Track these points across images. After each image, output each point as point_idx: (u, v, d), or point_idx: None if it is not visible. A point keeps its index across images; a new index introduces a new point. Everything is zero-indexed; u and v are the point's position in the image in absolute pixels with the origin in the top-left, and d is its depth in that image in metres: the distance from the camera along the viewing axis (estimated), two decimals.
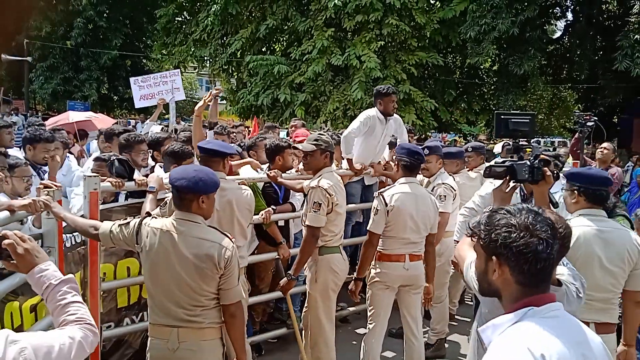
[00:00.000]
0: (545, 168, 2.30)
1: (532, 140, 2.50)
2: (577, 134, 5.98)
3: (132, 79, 7.56)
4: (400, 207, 3.73)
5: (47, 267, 1.70)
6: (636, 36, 12.32)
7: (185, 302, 2.57)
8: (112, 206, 3.51)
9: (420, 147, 4.32)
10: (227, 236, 2.63)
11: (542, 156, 2.34)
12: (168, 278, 2.56)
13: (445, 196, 4.56)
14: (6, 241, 1.69)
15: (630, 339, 2.93)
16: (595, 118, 5.53)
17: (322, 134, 4.02)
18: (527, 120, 2.44)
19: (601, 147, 6.49)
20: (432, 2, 15.26)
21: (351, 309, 5.19)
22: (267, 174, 4.26)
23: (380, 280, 3.86)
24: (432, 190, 4.52)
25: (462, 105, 16.73)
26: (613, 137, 19.49)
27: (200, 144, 3.51)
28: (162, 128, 6.62)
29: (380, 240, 3.82)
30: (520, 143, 2.39)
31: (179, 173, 2.62)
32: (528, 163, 2.33)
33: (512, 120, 2.43)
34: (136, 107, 7.61)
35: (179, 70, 8.51)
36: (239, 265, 2.65)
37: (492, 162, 3.39)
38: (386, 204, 3.75)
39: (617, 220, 3.54)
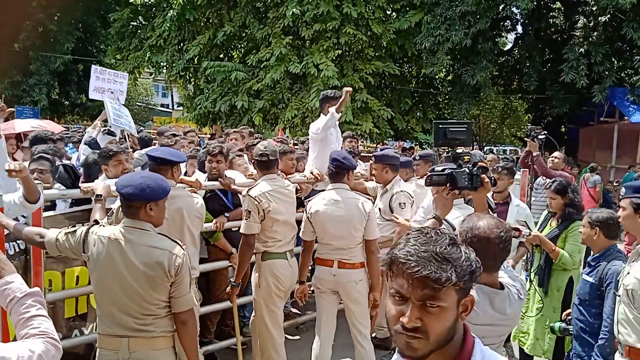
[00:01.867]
0: (484, 175, 2.39)
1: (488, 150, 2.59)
2: (528, 146, 6.28)
3: (93, 67, 7.39)
4: (319, 213, 3.81)
5: (13, 279, 1.67)
6: (581, 49, 12.93)
7: (135, 311, 2.51)
8: (55, 214, 3.38)
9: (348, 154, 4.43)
10: (178, 243, 2.58)
11: (479, 164, 2.41)
12: (117, 287, 2.49)
13: (404, 203, 4.61)
14: None
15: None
16: (545, 132, 5.81)
17: (263, 143, 4.07)
18: (464, 129, 2.53)
19: (552, 157, 6.82)
20: (388, 12, 15.54)
21: (305, 317, 5.20)
22: (221, 182, 4.22)
23: (314, 283, 4.00)
24: (390, 198, 4.58)
25: (418, 113, 17.07)
26: (561, 145, 20.33)
27: (149, 152, 3.46)
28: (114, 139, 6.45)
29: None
30: (458, 152, 2.47)
31: (125, 180, 2.57)
32: (467, 171, 2.41)
33: (450, 129, 2.52)
34: (89, 97, 7.44)
35: (127, 74, 8.39)
36: (190, 273, 2.61)
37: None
38: (306, 210, 3.89)
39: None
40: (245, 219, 3.71)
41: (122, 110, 6.85)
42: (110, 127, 6.24)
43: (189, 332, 2.60)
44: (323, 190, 4.68)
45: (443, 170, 2.48)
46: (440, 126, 2.53)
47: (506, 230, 2.03)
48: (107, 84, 7.28)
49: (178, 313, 2.57)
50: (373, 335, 4.50)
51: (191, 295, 2.62)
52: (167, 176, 3.26)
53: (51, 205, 3.68)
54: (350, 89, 5.04)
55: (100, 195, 3.15)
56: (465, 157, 2.47)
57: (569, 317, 3.65)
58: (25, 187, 2.84)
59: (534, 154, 6.35)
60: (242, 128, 8.43)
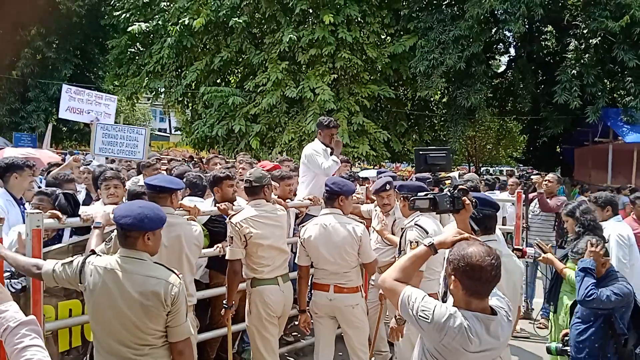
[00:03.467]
0: (465, 197, 2.43)
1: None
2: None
3: (65, 86, 7.26)
4: (312, 238, 3.86)
5: (7, 307, 1.64)
6: (573, 71, 13.11)
7: (131, 341, 2.50)
8: (56, 248, 3.38)
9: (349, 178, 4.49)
10: (174, 272, 2.58)
11: (460, 187, 2.46)
12: (113, 317, 2.49)
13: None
14: None
15: None
16: (537, 172, 6.11)
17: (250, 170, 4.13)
18: (444, 155, 2.59)
19: (546, 179, 6.88)
20: (383, 37, 15.77)
21: (303, 342, 5.17)
22: (218, 207, 4.24)
23: (311, 308, 3.99)
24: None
25: (414, 135, 17.20)
26: (556, 166, 20.45)
27: (147, 180, 3.48)
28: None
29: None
30: (439, 176, 2.52)
31: (123, 210, 2.57)
32: (448, 194, 2.46)
33: (430, 155, 2.59)
34: (60, 116, 7.32)
35: (116, 97, 8.31)
36: (186, 302, 2.61)
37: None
38: (300, 236, 3.95)
39: None
40: (229, 245, 3.78)
41: (121, 138, 6.64)
42: (93, 157, 6.15)
43: None
44: (316, 216, 4.71)
45: (426, 194, 2.53)
46: (421, 152, 2.61)
47: (496, 257, 2.05)
48: (84, 105, 7.15)
49: (175, 343, 2.55)
50: None
51: (188, 324, 2.60)
52: (165, 204, 3.29)
53: (56, 236, 3.68)
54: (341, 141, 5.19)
55: (100, 223, 3.17)
56: (446, 182, 2.53)
57: (567, 338, 3.65)
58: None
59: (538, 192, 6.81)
60: (242, 154, 8.43)
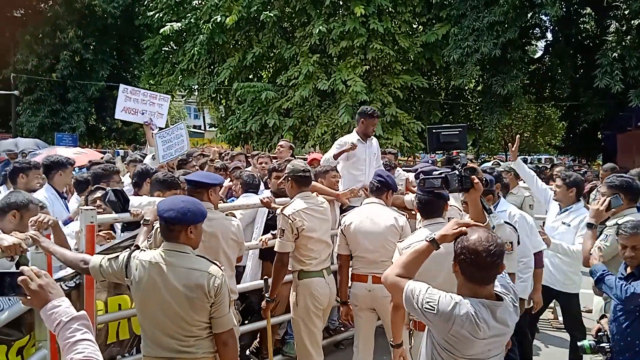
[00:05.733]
0: (473, 176, 2.35)
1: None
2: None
3: (121, 86, 7.31)
4: (352, 226, 3.80)
5: (60, 303, 1.69)
6: (614, 54, 12.64)
7: (177, 333, 2.55)
8: (111, 244, 3.48)
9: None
10: (216, 264, 2.63)
11: (469, 165, 2.39)
12: (159, 310, 2.54)
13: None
14: (20, 277, 1.69)
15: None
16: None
17: (289, 162, 4.10)
18: (457, 133, 2.48)
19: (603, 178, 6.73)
20: (415, 26, 15.57)
21: (344, 334, 5.17)
22: (261, 200, 4.27)
23: (350, 301, 3.91)
24: None
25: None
26: (598, 152, 19.81)
27: (187, 176, 3.53)
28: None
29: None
30: (454, 155, 2.44)
31: (167, 204, 2.63)
32: (457, 173, 2.38)
33: (443, 133, 2.48)
34: (115, 116, 7.36)
35: (169, 97, 8.29)
36: (229, 293, 2.65)
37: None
38: (340, 224, 3.90)
39: None
40: (279, 237, 3.75)
41: (173, 139, 6.69)
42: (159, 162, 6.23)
43: (229, 352, 2.62)
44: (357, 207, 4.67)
45: (440, 173, 2.47)
46: (434, 131, 2.50)
47: (497, 244, 2.02)
48: (139, 105, 7.19)
49: (219, 334, 2.60)
50: None
51: (231, 315, 2.64)
52: (202, 199, 3.31)
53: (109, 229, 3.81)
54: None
55: (148, 220, 3.24)
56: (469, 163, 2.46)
57: (600, 334, 3.45)
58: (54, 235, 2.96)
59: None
60: (283, 140, 8.45)
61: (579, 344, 3.54)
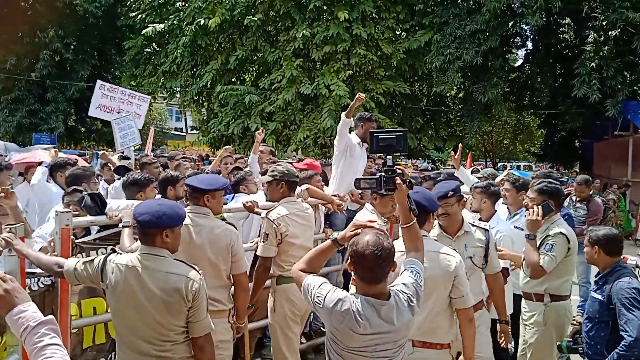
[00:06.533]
0: (397, 178, 2.44)
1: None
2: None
3: (99, 82, 7.14)
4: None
5: (27, 308, 1.67)
6: (592, 64, 12.89)
7: (153, 337, 2.52)
8: (89, 238, 3.43)
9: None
10: (194, 268, 2.60)
11: (390, 168, 2.46)
12: (135, 314, 2.51)
13: None
14: None
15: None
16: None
17: (279, 165, 4.05)
18: (395, 137, 2.55)
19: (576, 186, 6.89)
20: (398, 33, 15.69)
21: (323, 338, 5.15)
22: (244, 204, 4.23)
23: None
24: None
25: (430, 132, 17.11)
26: (575, 160, 20.17)
27: (188, 179, 3.50)
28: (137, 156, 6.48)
29: None
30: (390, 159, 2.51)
31: (142, 208, 2.60)
32: (382, 175, 2.49)
33: (381, 137, 2.56)
34: (89, 113, 7.16)
35: (149, 97, 8.14)
36: (207, 298, 2.62)
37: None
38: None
39: None
40: (263, 242, 3.72)
41: (125, 127, 6.61)
42: (122, 152, 6.22)
43: (206, 357, 2.60)
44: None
45: (373, 174, 2.58)
46: (374, 134, 2.58)
47: (382, 248, 2.13)
48: (116, 103, 7.04)
49: (196, 338, 2.58)
50: None
51: (209, 320, 2.62)
52: (198, 203, 3.31)
53: (84, 234, 3.73)
54: (363, 95, 5.08)
55: (128, 222, 3.19)
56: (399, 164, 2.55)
57: (577, 335, 3.58)
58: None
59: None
60: (263, 145, 8.47)
61: (557, 343, 3.68)
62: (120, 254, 2.63)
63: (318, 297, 2.23)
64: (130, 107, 7.13)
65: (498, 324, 3.49)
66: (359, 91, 14.33)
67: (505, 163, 30.00)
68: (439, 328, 2.92)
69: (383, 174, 2.48)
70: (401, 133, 2.57)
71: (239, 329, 3.45)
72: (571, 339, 3.61)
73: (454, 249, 3.08)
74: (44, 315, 1.68)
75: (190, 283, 2.53)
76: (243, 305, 3.43)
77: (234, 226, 3.47)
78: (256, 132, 6.19)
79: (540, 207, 3.67)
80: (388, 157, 2.53)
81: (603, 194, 11.24)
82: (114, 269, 2.54)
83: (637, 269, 4.09)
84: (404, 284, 2.29)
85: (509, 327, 3.54)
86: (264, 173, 4.80)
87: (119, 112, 6.99)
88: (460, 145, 5.55)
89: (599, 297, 3.32)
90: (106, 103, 7.00)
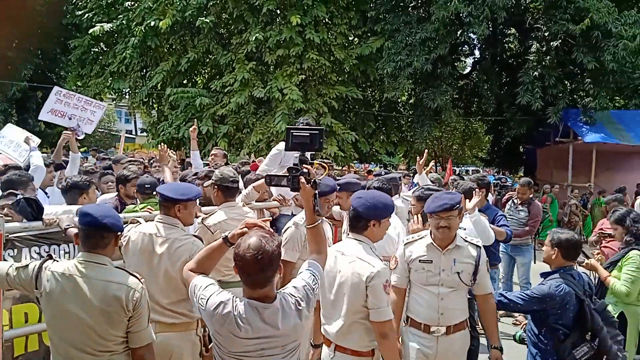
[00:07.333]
0: (301, 177, 2.42)
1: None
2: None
3: (55, 88, 6.92)
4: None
5: None
6: (535, 73, 13.44)
7: (91, 347, 2.44)
8: (21, 235, 3.27)
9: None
10: (136, 277, 2.54)
11: (304, 167, 2.44)
12: (72, 324, 2.42)
13: None
14: None
15: None
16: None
17: (230, 169, 4.02)
18: (309, 135, 2.52)
19: (518, 190, 7.11)
20: (351, 38, 15.85)
21: None
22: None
23: None
24: None
25: (381, 136, 17.36)
26: (520, 165, 20.93)
27: (159, 187, 3.40)
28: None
29: None
30: (303, 157, 2.50)
31: (85, 210, 2.54)
32: (289, 174, 2.48)
33: (295, 134, 2.53)
34: (39, 117, 6.94)
35: (105, 105, 7.91)
36: (148, 307, 2.55)
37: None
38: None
39: None
40: None
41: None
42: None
43: None
44: (291, 215, 4.68)
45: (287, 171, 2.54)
46: (290, 131, 2.55)
47: (264, 251, 2.08)
48: (69, 109, 6.84)
49: (136, 348, 2.51)
50: None
51: (150, 330, 2.55)
52: (169, 214, 3.20)
53: None
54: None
55: (69, 225, 3.07)
56: (316, 163, 2.55)
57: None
58: None
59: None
60: (216, 149, 8.43)
61: (512, 332, 3.84)
62: (57, 261, 2.53)
63: (202, 299, 2.17)
64: (84, 114, 6.93)
65: (491, 350, 3.37)
66: (312, 96, 14.53)
67: (454, 168, 30.82)
68: (357, 336, 2.84)
69: (289, 172, 2.45)
70: (317, 131, 2.51)
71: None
72: (524, 331, 3.78)
73: (435, 261, 3.18)
74: None
75: (131, 292, 2.46)
76: None
77: (199, 238, 3.35)
78: (190, 130, 6.13)
79: (420, 215, 3.77)
80: (295, 155, 2.48)
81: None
82: (50, 277, 2.44)
83: (577, 265, 4.27)
84: (294, 286, 2.24)
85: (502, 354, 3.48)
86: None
87: (70, 118, 6.81)
88: (426, 151, 5.71)
89: (533, 287, 3.54)
90: (59, 108, 6.79)
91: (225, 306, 2.11)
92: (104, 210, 2.55)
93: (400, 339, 3.27)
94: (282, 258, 3.11)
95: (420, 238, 3.34)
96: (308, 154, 2.52)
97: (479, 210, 5.00)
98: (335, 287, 2.87)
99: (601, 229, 5.81)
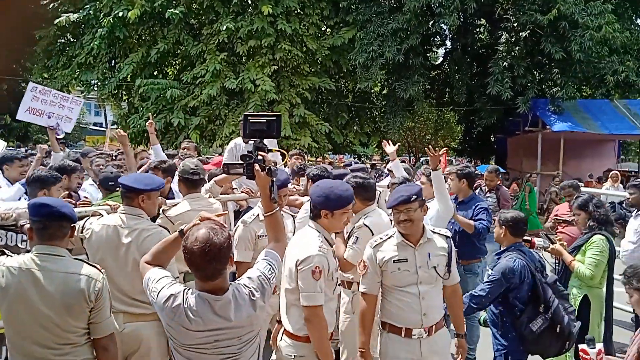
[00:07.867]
0: (256, 165, 2.40)
1: None
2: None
3: (31, 84, 6.74)
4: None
5: None
6: (504, 63, 13.63)
7: (52, 341, 2.40)
8: None
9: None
10: (96, 267, 2.50)
11: (259, 155, 2.42)
12: (30, 319, 2.37)
13: None
14: None
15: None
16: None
17: (192, 161, 4.00)
18: (265, 121, 2.48)
19: (485, 178, 7.24)
20: (323, 29, 15.80)
21: None
22: None
23: None
24: None
25: (355, 127, 17.40)
26: (491, 154, 21.24)
27: (121, 178, 3.33)
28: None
29: None
30: (260, 144, 2.47)
31: (37, 202, 2.50)
32: (244, 161, 2.45)
33: (251, 121, 2.51)
34: (18, 117, 6.75)
35: (82, 100, 7.73)
36: (110, 297, 2.52)
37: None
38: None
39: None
40: None
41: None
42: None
43: (110, 357, 2.51)
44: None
45: (243, 159, 2.49)
46: (247, 118, 2.52)
47: (213, 244, 2.05)
48: (48, 107, 6.67)
49: (98, 339, 2.48)
50: None
51: (112, 319, 2.53)
52: (131, 204, 3.15)
53: None
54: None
55: (25, 222, 3.02)
56: (272, 150, 2.53)
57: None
58: None
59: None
60: (187, 141, 8.36)
61: (478, 315, 3.97)
62: (11, 256, 2.47)
63: (154, 291, 2.15)
64: (62, 111, 6.74)
65: (456, 338, 3.32)
66: (284, 86, 14.46)
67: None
68: (294, 319, 2.85)
69: (245, 159, 2.42)
70: (274, 118, 2.49)
71: None
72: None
73: (410, 259, 3.05)
74: None
75: (92, 283, 2.43)
76: None
77: (166, 229, 3.32)
78: (147, 123, 6.06)
79: None
80: (251, 142, 2.45)
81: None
82: (5, 272, 2.38)
83: (542, 250, 4.38)
84: (248, 277, 2.22)
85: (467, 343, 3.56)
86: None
87: (49, 117, 6.64)
88: (397, 143, 5.77)
89: (490, 271, 3.69)
90: (36, 106, 6.58)
91: (175, 299, 2.09)
92: (60, 201, 2.54)
93: (378, 349, 3.16)
94: (235, 260, 3.14)
95: (389, 237, 3.15)
96: (267, 142, 2.48)
97: (462, 202, 5.08)
98: (283, 268, 2.91)
99: (556, 215, 5.96)
